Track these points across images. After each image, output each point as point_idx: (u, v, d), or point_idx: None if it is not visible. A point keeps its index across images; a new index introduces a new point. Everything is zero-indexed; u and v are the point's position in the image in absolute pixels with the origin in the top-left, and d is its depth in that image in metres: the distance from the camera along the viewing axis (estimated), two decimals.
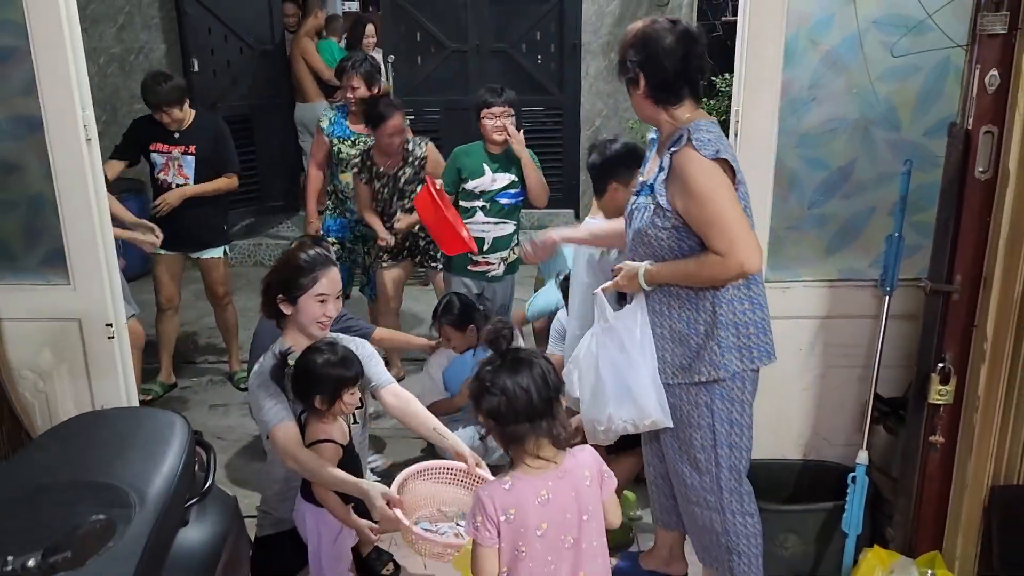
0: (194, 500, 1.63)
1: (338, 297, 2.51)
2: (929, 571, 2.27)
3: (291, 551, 2.39)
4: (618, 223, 2.44)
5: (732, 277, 2.03)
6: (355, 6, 11.05)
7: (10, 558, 0.97)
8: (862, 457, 2.48)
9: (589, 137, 5.94)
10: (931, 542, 2.36)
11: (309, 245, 2.50)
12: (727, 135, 2.37)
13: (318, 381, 2.24)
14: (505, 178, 3.55)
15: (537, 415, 1.69)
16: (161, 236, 3.62)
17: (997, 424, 2.22)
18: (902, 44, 2.41)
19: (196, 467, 1.71)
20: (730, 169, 2.01)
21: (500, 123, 3.45)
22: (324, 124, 3.98)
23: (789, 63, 2.48)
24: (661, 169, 2.08)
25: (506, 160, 3.55)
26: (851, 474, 2.48)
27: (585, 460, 1.79)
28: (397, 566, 2.67)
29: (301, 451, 2.23)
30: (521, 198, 3.60)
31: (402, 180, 3.77)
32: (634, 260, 2.19)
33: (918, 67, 2.46)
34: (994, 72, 2.03)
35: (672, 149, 2.04)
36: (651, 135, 2.26)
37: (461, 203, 3.55)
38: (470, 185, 3.53)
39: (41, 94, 2.49)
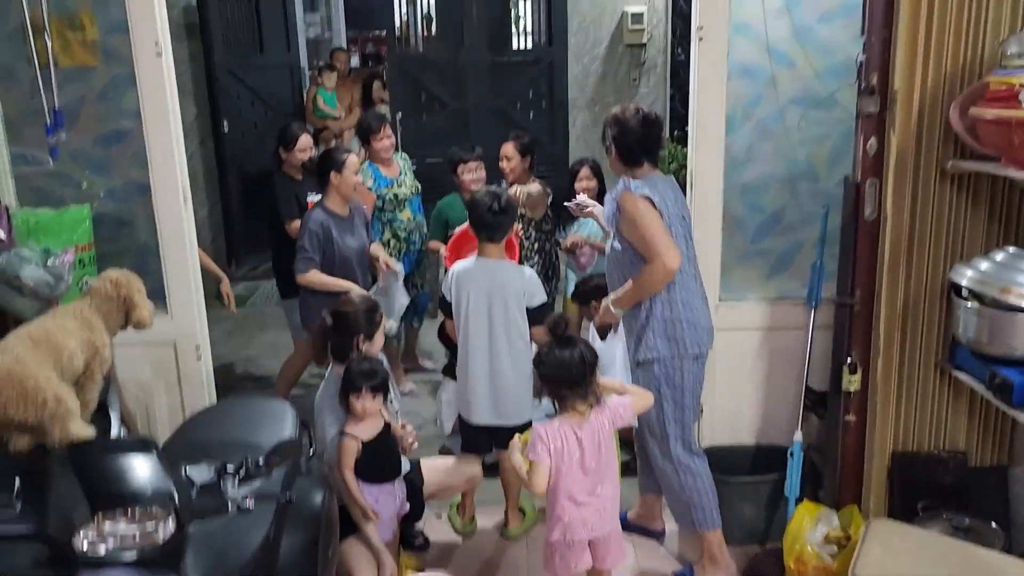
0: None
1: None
2: (848, 520, 2.90)
3: (344, 521, 2.85)
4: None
5: (664, 276, 2.70)
6: (356, 61, 11.90)
7: (248, 456, 1.61)
8: (798, 436, 3.13)
9: None
10: (852, 498, 2.97)
11: (355, 297, 3.12)
12: (684, 188, 3.08)
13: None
14: None
15: (576, 382, 2.40)
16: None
17: (893, 404, 2.87)
18: (812, 116, 3.13)
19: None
20: (654, 205, 2.70)
21: (475, 176, 4.17)
22: (370, 183, 4.20)
23: (730, 131, 3.15)
24: (615, 210, 2.82)
25: None
26: (790, 450, 3.15)
27: (606, 415, 2.47)
28: (427, 540, 3.31)
29: (351, 476, 2.72)
30: None
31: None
32: (609, 282, 2.92)
33: (828, 135, 3.16)
34: (872, 140, 2.72)
35: (616, 194, 2.80)
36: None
37: None
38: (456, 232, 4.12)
39: (151, 165, 3.15)
